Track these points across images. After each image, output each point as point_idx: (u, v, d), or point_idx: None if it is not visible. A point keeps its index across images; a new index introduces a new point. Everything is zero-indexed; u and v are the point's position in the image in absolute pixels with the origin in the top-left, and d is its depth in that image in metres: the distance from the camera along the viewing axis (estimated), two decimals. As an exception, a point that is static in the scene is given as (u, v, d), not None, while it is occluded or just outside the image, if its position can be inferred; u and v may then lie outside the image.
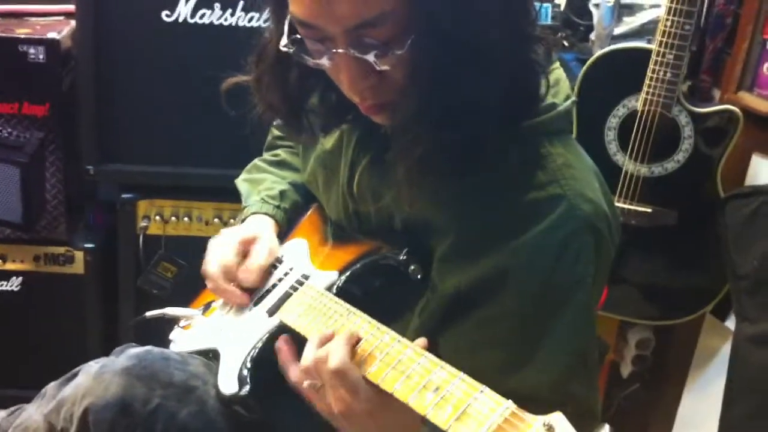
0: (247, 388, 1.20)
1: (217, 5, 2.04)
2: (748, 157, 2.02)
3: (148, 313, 1.49)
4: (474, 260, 1.10)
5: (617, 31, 2.29)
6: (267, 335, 1.25)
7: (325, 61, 1.04)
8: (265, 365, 1.22)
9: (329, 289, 1.24)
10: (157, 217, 2.19)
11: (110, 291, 2.26)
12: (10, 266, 2.21)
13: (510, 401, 0.86)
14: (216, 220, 2.20)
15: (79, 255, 2.22)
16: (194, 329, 1.43)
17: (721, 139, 1.95)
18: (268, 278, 1.36)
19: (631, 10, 2.30)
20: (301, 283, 1.29)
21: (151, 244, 2.19)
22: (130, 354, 1.30)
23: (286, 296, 1.28)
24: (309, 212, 1.47)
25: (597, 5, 2.37)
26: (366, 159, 1.23)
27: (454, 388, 0.91)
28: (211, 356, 1.33)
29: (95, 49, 2.04)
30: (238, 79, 1.26)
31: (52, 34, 2.05)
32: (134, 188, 2.20)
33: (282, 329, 1.24)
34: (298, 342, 1.17)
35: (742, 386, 1.90)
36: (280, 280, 1.34)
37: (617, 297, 2.05)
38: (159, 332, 1.49)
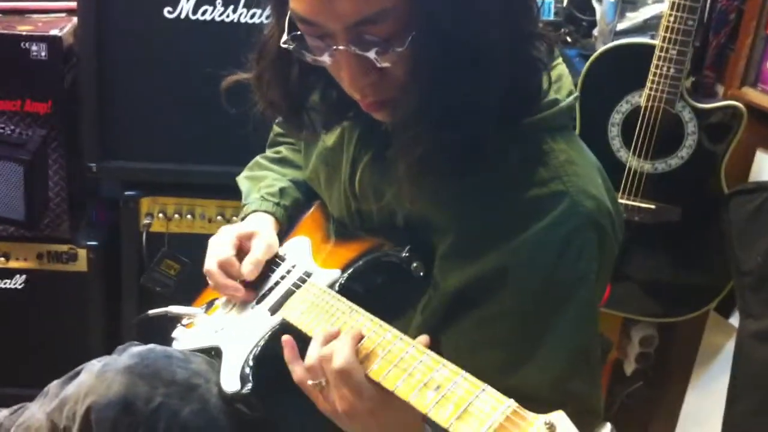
0: (249, 386, 1.20)
1: (218, 1, 2.04)
2: (752, 153, 2.02)
3: (151, 312, 1.49)
4: (475, 259, 1.10)
5: (620, 26, 2.28)
6: (269, 333, 1.25)
7: (325, 58, 1.04)
8: (267, 363, 1.22)
9: (332, 286, 1.24)
10: (160, 215, 2.18)
11: (113, 289, 2.25)
12: (13, 264, 2.21)
13: (511, 400, 0.86)
14: (219, 217, 2.20)
15: (82, 253, 2.22)
16: (197, 327, 1.43)
17: (724, 135, 1.94)
18: (270, 276, 1.36)
19: (634, 5, 2.29)
20: (303, 281, 1.29)
21: (154, 242, 2.18)
22: (132, 352, 1.30)
23: (289, 294, 1.28)
24: (311, 210, 1.47)
25: (600, 1, 2.37)
26: (367, 156, 1.23)
27: (456, 387, 0.91)
28: (213, 354, 1.33)
29: (97, 46, 2.04)
30: (239, 77, 1.26)
31: (54, 31, 2.05)
32: (137, 185, 2.20)
33: (284, 327, 1.24)
34: (301, 340, 1.16)
35: (746, 383, 1.90)
36: (282, 277, 1.34)
37: (620, 294, 2.04)
38: (162, 330, 1.49)
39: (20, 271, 2.22)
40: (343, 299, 1.17)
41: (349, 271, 1.24)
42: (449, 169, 1.06)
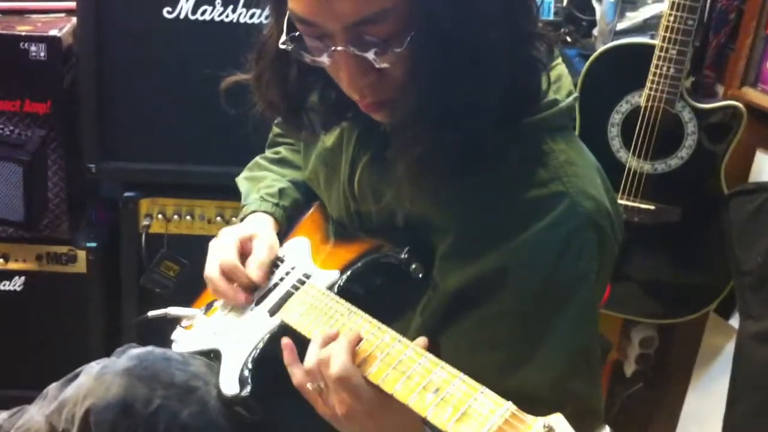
0: (248, 388, 1.19)
1: (218, 1, 2.04)
2: (752, 153, 2.02)
3: (150, 313, 1.48)
4: (475, 259, 1.09)
5: (620, 26, 2.28)
6: (268, 335, 1.25)
7: (324, 59, 1.03)
8: (266, 365, 1.22)
9: (331, 288, 1.24)
10: (160, 216, 2.18)
11: (113, 290, 2.25)
12: (12, 265, 2.21)
13: (510, 402, 0.86)
14: (218, 218, 2.20)
15: (81, 254, 2.22)
16: (196, 329, 1.42)
17: (724, 135, 1.94)
18: (269, 277, 1.36)
19: (634, 5, 2.29)
20: (302, 283, 1.29)
21: (153, 243, 2.18)
22: (131, 354, 1.30)
23: (288, 296, 1.28)
24: (311, 210, 1.47)
25: (600, 0, 2.36)
26: (366, 156, 1.23)
27: (454, 389, 0.91)
28: (212, 356, 1.33)
29: (96, 46, 2.04)
30: (238, 78, 1.26)
31: (53, 32, 2.05)
32: (136, 186, 2.20)
33: (283, 329, 1.23)
34: (301, 343, 1.16)
35: (746, 384, 1.90)
36: (281, 279, 1.33)
37: (620, 295, 2.04)
38: (162, 331, 1.48)
39: (19, 273, 2.22)
40: (342, 301, 1.17)
41: (348, 272, 1.24)
42: (449, 169, 1.06)
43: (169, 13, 2.04)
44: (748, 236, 1.91)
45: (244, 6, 2.04)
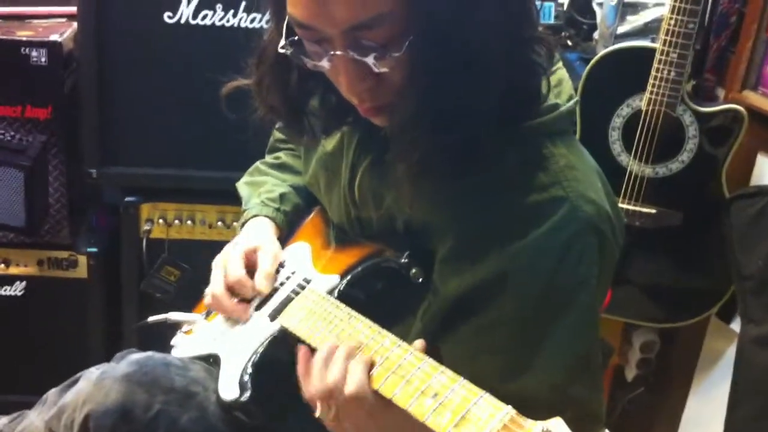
0: (247, 393, 1.19)
1: (219, 6, 2.04)
2: (753, 157, 2.01)
3: (150, 318, 1.49)
4: (475, 264, 1.09)
5: (621, 30, 2.28)
6: (268, 340, 1.24)
7: (324, 63, 1.03)
8: (266, 370, 1.22)
9: (331, 292, 1.23)
10: (161, 221, 2.18)
11: (113, 295, 2.25)
12: (13, 270, 2.21)
13: (509, 406, 0.86)
14: (219, 223, 2.20)
15: (82, 259, 2.21)
16: (196, 334, 1.42)
17: (725, 139, 1.94)
18: None
19: (635, 8, 2.29)
20: (302, 287, 1.28)
21: (154, 248, 2.18)
22: (130, 360, 1.30)
23: (288, 300, 1.28)
24: (311, 215, 1.47)
25: (600, 4, 2.37)
26: (367, 161, 1.22)
27: (454, 394, 0.91)
28: (212, 361, 1.33)
29: (97, 51, 2.04)
30: (239, 83, 1.26)
31: (54, 37, 2.05)
32: (137, 191, 2.19)
33: (283, 334, 1.23)
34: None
35: (747, 388, 1.89)
36: (281, 284, 1.33)
37: (621, 299, 2.03)
38: (162, 336, 1.48)
39: (20, 278, 2.22)
40: (342, 306, 1.17)
41: (348, 277, 1.24)
42: (447, 171, 1.06)
43: (169, 17, 2.04)
44: (749, 240, 1.91)
45: (244, 11, 2.04)
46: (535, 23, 1.08)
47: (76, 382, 1.34)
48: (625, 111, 1.99)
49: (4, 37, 2.04)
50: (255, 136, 1.31)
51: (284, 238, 1.45)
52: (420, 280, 1.17)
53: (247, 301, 1.34)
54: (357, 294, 1.23)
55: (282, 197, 1.48)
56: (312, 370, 1.09)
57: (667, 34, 1.86)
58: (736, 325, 2.03)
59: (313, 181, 1.41)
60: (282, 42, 1.06)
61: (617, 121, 2.00)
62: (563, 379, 1.09)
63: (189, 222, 2.19)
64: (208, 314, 1.44)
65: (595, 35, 2.41)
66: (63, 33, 2.09)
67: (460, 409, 0.88)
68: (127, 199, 2.18)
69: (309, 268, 1.34)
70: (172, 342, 1.44)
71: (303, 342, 1.16)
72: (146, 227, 2.17)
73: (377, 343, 1.04)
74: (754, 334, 1.89)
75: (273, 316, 1.27)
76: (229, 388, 1.21)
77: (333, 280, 1.26)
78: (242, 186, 1.56)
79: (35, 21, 2.21)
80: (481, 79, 1.00)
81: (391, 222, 1.22)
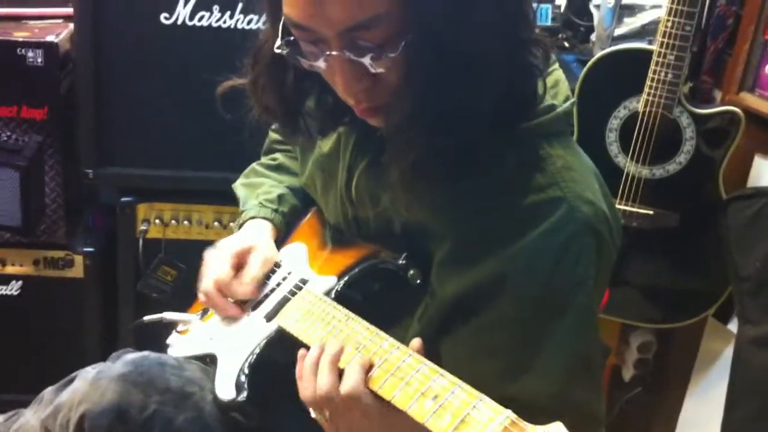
0: (244, 394, 1.19)
1: (215, 7, 2.03)
2: (750, 159, 2.01)
3: (146, 318, 1.48)
4: (472, 266, 1.09)
5: (618, 32, 2.28)
6: (265, 341, 1.24)
7: (320, 63, 1.03)
8: (263, 371, 1.22)
9: (328, 293, 1.23)
10: (157, 221, 2.18)
11: (110, 295, 2.25)
12: (9, 270, 2.21)
13: (509, 410, 0.85)
14: (216, 223, 2.20)
15: (78, 259, 2.21)
16: (191, 334, 1.42)
17: (722, 141, 1.94)
18: (266, 283, 1.35)
19: (632, 10, 2.29)
20: (299, 288, 1.28)
21: (150, 248, 2.18)
22: (126, 360, 1.29)
23: (285, 301, 1.27)
24: (308, 216, 1.47)
25: (597, 6, 2.37)
26: (364, 162, 1.22)
27: (453, 397, 0.90)
28: (208, 361, 1.33)
29: (94, 52, 2.04)
30: (234, 82, 1.26)
31: (50, 38, 2.04)
32: (134, 191, 2.19)
33: (280, 335, 1.23)
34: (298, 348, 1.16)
35: (745, 389, 1.89)
36: (278, 284, 1.33)
37: (619, 299, 2.03)
38: (159, 336, 1.48)
39: (16, 278, 2.21)
40: (339, 307, 1.17)
41: (346, 278, 1.24)
42: (443, 174, 1.05)
43: (166, 19, 2.03)
44: (746, 241, 1.91)
45: (241, 12, 2.04)
46: (531, 25, 1.08)
47: (71, 381, 1.33)
48: (622, 113, 1.99)
49: (1, 37, 2.04)
50: (251, 137, 1.31)
51: (281, 239, 1.45)
52: (418, 281, 1.17)
53: (243, 301, 1.34)
54: (354, 295, 1.23)
55: (280, 198, 1.48)
56: (303, 378, 1.09)
57: (664, 36, 1.86)
58: (733, 326, 2.03)
59: (309, 182, 1.41)
60: (278, 42, 1.06)
61: (614, 123, 2.00)
62: (563, 380, 1.09)
63: (185, 222, 2.19)
64: (203, 314, 1.44)
65: (592, 37, 2.41)
66: (59, 34, 2.08)
67: (460, 412, 0.88)
68: (124, 199, 2.18)
69: (306, 269, 1.33)
70: (168, 341, 1.44)
71: (299, 342, 1.16)
72: (143, 227, 2.17)
73: (376, 345, 1.04)
74: (752, 335, 1.89)
75: (270, 317, 1.27)
76: (225, 389, 1.21)
77: (330, 281, 1.26)
78: (239, 187, 1.56)
79: (32, 22, 2.20)
80: (478, 79, 1.00)
81: (388, 223, 1.22)
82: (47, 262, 2.21)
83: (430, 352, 1.06)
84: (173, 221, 2.18)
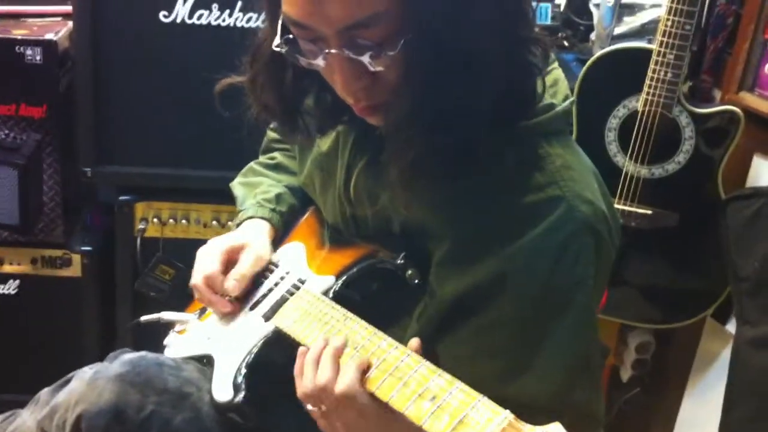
0: (242, 395, 1.19)
1: (215, 6, 2.03)
2: (750, 158, 2.01)
3: (143, 318, 1.48)
4: (471, 266, 1.09)
5: (617, 31, 2.28)
6: (262, 341, 1.24)
7: (319, 62, 1.03)
8: (260, 371, 1.21)
9: (326, 293, 1.23)
10: (155, 220, 2.18)
11: (108, 294, 2.25)
12: (7, 269, 2.20)
13: (507, 411, 0.85)
14: (214, 222, 2.19)
15: (76, 258, 2.21)
16: (189, 334, 1.41)
17: (722, 140, 1.94)
18: (264, 283, 1.35)
19: (632, 9, 2.29)
20: (297, 288, 1.28)
21: (148, 247, 2.17)
22: (123, 360, 1.29)
23: (282, 301, 1.27)
24: (306, 215, 1.46)
25: (597, 5, 2.36)
26: (363, 161, 1.22)
27: (451, 398, 0.90)
28: (205, 362, 1.32)
29: (92, 50, 2.03)
30: (232, 80, 1.25)
31: (49, 36, 2.04)
32: (132, 190, 2.18)
33: (278, 335, 1.23)
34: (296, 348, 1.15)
35: (743, 389, 1.89)
36: (276, 284, 1.33)
37: (618, 299, 2.03)
38: (157, 336, 1.48)
39: (14, 276, 2.21)
40: (338, 306, 1.17)
41: (344, 277, 1.23)
42: (442, 172, 1.05)
43: (165, 17, 2.03)
44: (745, 241, 1.91)
45: (240, 10, 2.03)
46: (531, 23, 1.08)
47: (68, 381, 1.33)
48: (621, 112, 1.98)
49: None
50: (250, 135, 1.30)
51: (279, 239, 1.44)
52: (416, 281, 1.17)
53: (240, 299, 1.34)
54: (352, 295, 1.23)
55: (278, 198, 1.47)
56: (304, 371, 1.08)
57: (663, 36, 1.86)
58: (731, 327, 2.03)
59: (308, 181, 1.40)
60: (277, 40, 1.05)
61: (614, 122, 1.99)
62: (562, 380, 1.09)
63: (184, 221, 2.18)
64: (201, 314, 1.43)
65: (592, 36, 2.40)
66: (58, 32, 2.08)
67: (458, 413, 0.88)
68: (122, 198, 2.18)
69: (304, 269, 1.33)
70: (165, 341, 1.43)
71: (297, 343, 1.16)
72: (141, 226, 2.17)
73: (374, 345, 1.04)
74: (750, 335, 1.89)
75: (267, 317, 1.27)
76: (223, 389, 1.21)
77: (328, 280, 1.25)
78: (237, 186, 1.55)
79: (30, 19, 2.20)
80: (477, 78, 1.00)
81: (387, 223, 1.22)
82: (45, 260, 2.21)
83: (429, 351, 1.06)
84: (171, 220, 2.18)
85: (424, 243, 1.16)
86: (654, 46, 1.89)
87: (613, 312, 2.09)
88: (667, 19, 1.85)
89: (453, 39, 0.96)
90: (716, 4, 2.04)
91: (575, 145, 1.17)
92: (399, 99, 1.02)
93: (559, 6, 2.49)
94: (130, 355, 1.31)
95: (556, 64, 1.21)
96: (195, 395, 1.27)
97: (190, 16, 2.03)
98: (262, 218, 1.44)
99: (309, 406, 1.09)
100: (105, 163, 2.13)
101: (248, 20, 2.04)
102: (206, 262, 1.35)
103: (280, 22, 1.04)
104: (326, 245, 1.35)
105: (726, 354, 2.03)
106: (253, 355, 1.22)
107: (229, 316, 1.35)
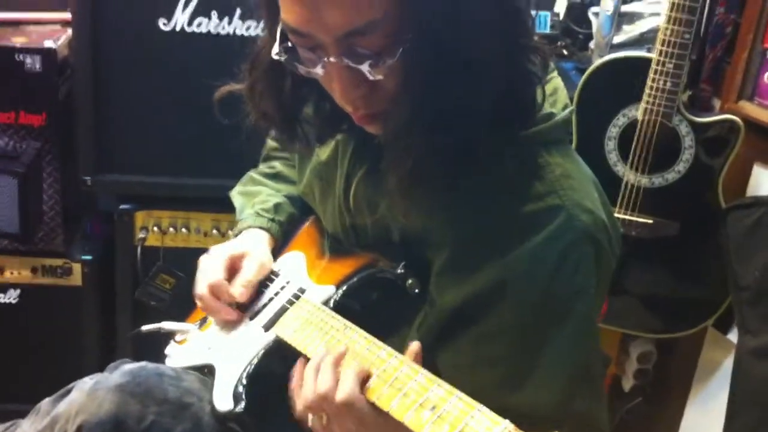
0: (242, 404, 1.18)
1: (214, 14, 2.03)
2: (750, 167, 2.01)
3: (144, 327, 1.47)
4: (471, 275, 1.09)
5: (617, 39, 2.28)
6: (263, 351, 1.24)
7: (317, 70, 1.03)
8: (261, 381, 1.21)
9: (326, 303, 1.23)
10: (155, 228, 2.17)
11: (108, 303, 2.24)
12: (7, 278, 2.20)
13: (507, 421, 0.85)
14: (214, 231, 2.19)
15: (76, 267, 2.21)
16: (190, 344, 1.41)
17: (722, 149, 1.93)
18: (264, 292, 1.35)
19: (631, 18, 2.29)
20: (297, 297, 1.28)
21: (149, 256, 2.17)
22: (124, 370, 1.28)
23: (283, 311, 1.27)
24: (306, 225, 1.46)
25: (596, 14, 2.36)
26: (362, 170, 1.22)
27: (451, 407, 0.90)
28: (206, 372, 1.32)
29: (92, 57, 2.03)
30: (231, 88, 1.25)
31: (48, 43, 2.04)
32: (132, 199, 2.18)
33: (278, 344, 1.23)
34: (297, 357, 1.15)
35: (745, 399, 1.89)
36: (276, 294, 1.33)
37: (618, 309, 2.03)
38: (157, 345, 1.47)
39: (14, 285, 2.21)
40: (338, 316, 1.16)
41: (344, 287, 1.23)
42: (441, 174, 1.05)
43: (164, 25, 2.03)
44: (745, 251, 1.91)
45: (240, 18, 2.03)
46: (530, 32, 1.08)
47: (69, 392, 1.32)
48: (621, 121, 1.98)
49: (-1, 43, 2.04)
50: (249, 141, 1.30)
51: (278, 248, 1.44)
52: (416, 291, 1.16)
53: (242, 308, 1.34)
54: (352, 305, 1.23)
55: (277, 207, 1.47)
56: (304, 380, 1.08)
57: (663, 44, 1.86)
58: (733, 336, 2.02)
59: (307, 190, 1.40)
60: (276, 48, 1.05)
61: (613, 131, 1.99)
62: (563, 389, 1.08)
63: (184, 230, 2.18)
64: (202, 323, 1.43)
65: (591, 45, 2.40)
66: (57, 39, 2.08)
67: (458, 423, 0.88)
68: (122, 206, 2.17)
69: (304, 278, 1.33)
70: (166, 351, 1.43)
71: (297, 353, 1.16)
72: (141, 235, 2.16)
73: (373, 354, 1.04)
74: (752, 345, 1.89)
75: (268, 327, 1.27)
76: (223, 399, 1.20)
77: (328, 290, 1.25)
78: (236, 196, 1.55)
79: (30, 27, 2.20)
80: (476, 79, 1.00)
81: (387, 231, 1.22)
82: (45, 269, 2.21)
83: (429, 361, 1.06)
84: (171, 229, 2.18)
85: (423, 252, 1.15)
86: (653, 55, 1.89)
87: (614, 321, 2.09)
88: (666, 28, 1.85)
89: (452, 39, 0.96)
90: (715, 13, 2.04)
91: (575, 154, 1.17)
92: (398, 107, 1.02)
93: (558, 15, 2.49)
94: (130, 366, 1.31)
95: (555, 73, 1.21)
96: (195, 405, 1.26)
97: (190, 24, 2.04)
98: (261, 228, 1.44)
99: (310, 420, 1.08)
100: (105, 171, 2.12)
101: (247, 28, 2.04)
102: (210, 271, 1.34)
103: (279, 30, 1.04)
104: (326, 254, 1.35)
105: (728, 363, 2.03)
106: (253, 366, 1.22)
107: (229, 326, 1.34)
